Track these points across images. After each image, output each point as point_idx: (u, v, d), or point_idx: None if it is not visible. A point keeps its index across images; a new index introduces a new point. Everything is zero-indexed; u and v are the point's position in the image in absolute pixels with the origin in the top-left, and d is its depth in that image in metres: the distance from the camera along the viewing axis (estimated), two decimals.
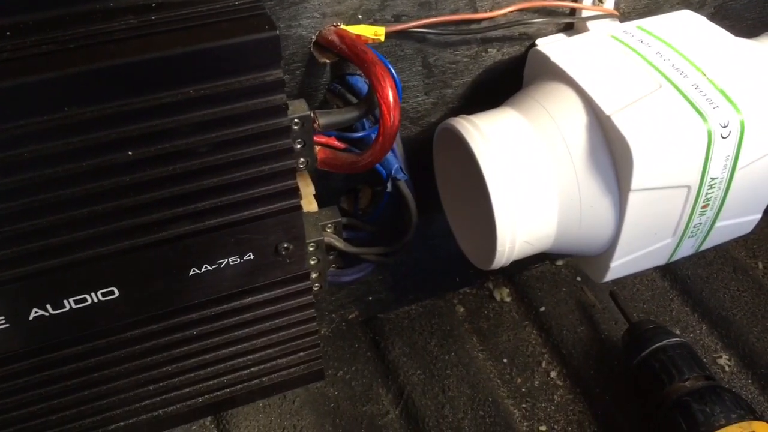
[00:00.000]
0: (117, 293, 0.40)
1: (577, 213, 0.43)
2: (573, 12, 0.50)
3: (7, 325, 0.38)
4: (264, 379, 0.50)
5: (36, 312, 0.39)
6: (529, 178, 0.42)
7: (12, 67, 0.31)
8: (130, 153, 0.34)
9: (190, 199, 0.38)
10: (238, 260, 0.42)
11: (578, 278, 0.71)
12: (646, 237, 0.44)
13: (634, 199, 0.41)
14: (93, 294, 0.39)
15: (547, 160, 0.42)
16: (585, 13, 0.50)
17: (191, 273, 0.41)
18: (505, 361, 0.64)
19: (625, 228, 0.42)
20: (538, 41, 0.49)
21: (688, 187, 0.42)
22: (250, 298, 0.44)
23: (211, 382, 0.48)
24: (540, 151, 0.43)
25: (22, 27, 0.33)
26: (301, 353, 0.50)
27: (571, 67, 0.44)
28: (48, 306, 0.39)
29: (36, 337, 0.40)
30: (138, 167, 0.35)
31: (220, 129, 0.36)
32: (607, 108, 0.41)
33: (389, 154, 0.46)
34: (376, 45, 0.43)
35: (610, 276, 0.46)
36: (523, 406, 0.60)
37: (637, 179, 0.40)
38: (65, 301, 0.39)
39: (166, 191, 0.37)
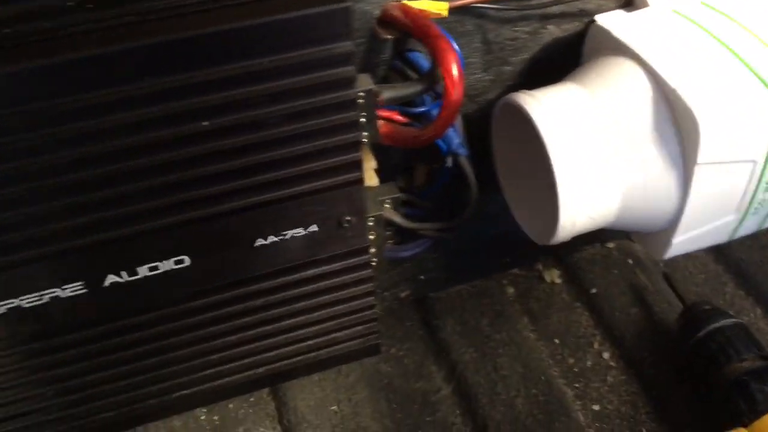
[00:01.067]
0: (187, 262, 0.41)
1: (641, 187, 0.43)
2: None
3: (85, 290, 0.40)
4: (322, 351, 0.51)
5: (111, 278, 0.40)
6: (591, 152, 0.42)
7: (95, 38, 0.32)
8: (205, 123, 0.36)
9: (259, 169, 0.39)
10: (302, 232, 0.43)
11: (630, 261, 0.70)
12: (709, 213, 0.44)
13: (699, 174, 0.41)
14: (165, 262, 0.40)
15: (610, 133, 0.42)
16: None
17: (257, 244, 0.42)
18: (556, 341, 0.64)
19: (689, 203, 0.42)
20: (597, 17, 0.49)
21: (754, 162, 0.42)
22: (311, 271, 0.45)
23: (270, 354, 0.50)
24: (603, 125, 0.43)
25: (102, 1, 0.34)
26: (359, 327, 0.51)
27: (633, 40, 0.44)
28: (123, 273, 0.40)
29: (111, 303, 0.41)
30: (212, 137, 0.36)
31: (291, 100, 0.36)
32: (672, 81, 0.41)
33: (450, 130, 0.46)
34: (439, 20, 0.44)
35: (672, 252, 0.46)
36: (576, 385, 0.60)
37: (704, 152, 0.40)
38: (139, 269, 0.40)
39: (237, 162, 0.38)
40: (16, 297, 0.39)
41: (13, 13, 0.33)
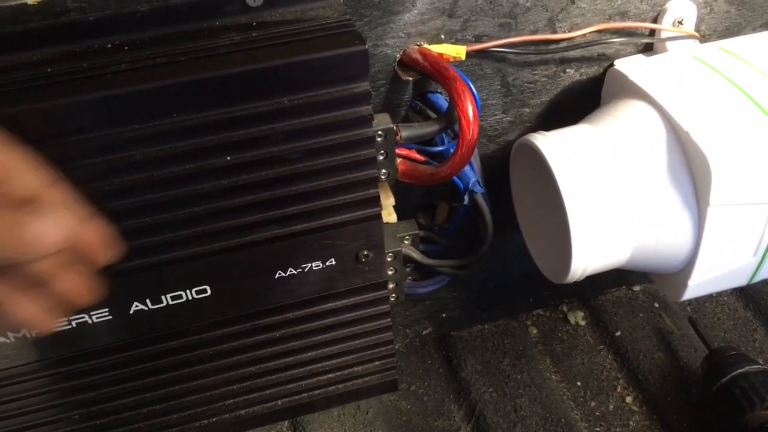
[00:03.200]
0: (209, 291, 0.43)
1: (655, 229, 0.43)
2: (653, 33, 0.51)
3: (110, 317, 0.42)
4: (340, 386, 0.52)
5: (137, 306, 0.42)
6: (605, 192, 0.43)
7: (129, 76, 0.35)
8: (228, 158, 0.37)
9: (280, 203, 0.40)
10: (321, 265, 0.44)
11: (656, 304, 0.70)
12: (725, 255, 0.44)
13: (713, 215, 0.41)
14: (188, 291, 0.42)
15: (624, 174, 0.43)
16: (665, 35, 0.51)
17: (277, 276, 0.43)
18: (578, 384, 0.63)
19: (703, 245, 0.42)
20: (617, 62, 0.50)
21: None
22: (330, 304, 0.46)
23: (290, 386, 0.50)
24: (616, 166, 0.43)
25: (137, 42, 0.37)
26: (377, 362, 0.52)
27: (649, 84, 0.44)
28: (147, 300, 0.42)
29: (134, 330, 0.43)
30: (235, 172, 0.38)
31: (310, 137, 0.38)
32: (685, 123, 0.41)
33: (467, 168, 0.47)
34: (457, 63, 0.45)
35: (688, 295, 0.46)
36: (597, 429, 0.60)
37: (716, 194, 0.40)
38: (163, 297, 0.42)
39: (258, 195, 0.39)
40: None
41: (59, 53, 0.35)
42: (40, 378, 0.44)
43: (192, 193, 0.38)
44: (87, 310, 0.41)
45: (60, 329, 0.41)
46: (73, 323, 0.41)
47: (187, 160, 0.37)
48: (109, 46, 0.37)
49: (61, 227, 0.30)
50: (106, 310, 0.41)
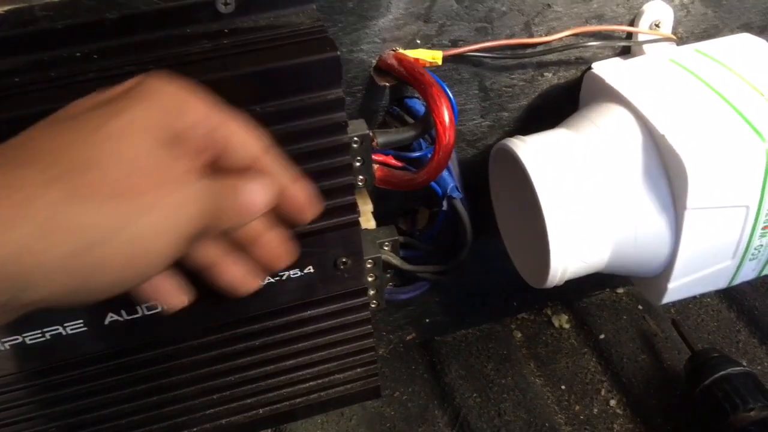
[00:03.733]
0: (186, 301, 0.42)
1: (632, 232, 0.43)
2: (629, 36, 0.51)
3: (85, 328, 0.41)
4: (322, 393, 0.52)
5: (111, 316, 0.41)
6: (582, 197, 0.43)
7: (98, 85, 0.34)
8: None
9: None
10: (299, 273, 0.44)
11: (640, 306, 0.70)
12: (704, 258, 0.44)
13: (690, 219, 0.41)
14: None
15: (602, 178, 0.43)
16: (642, 38, 0.51)
17: None
18: (563, 387, 0.63)
19: (681, 248, 0.42)
20: (594, 65, 0.50)
21: (747, 207, 0.42)
22: (309, 312, 0.46)
23: (271, 394, 0.50)
24: (594, 170, 0.43)
25: (107, 50, 0.36)
26: (359, 369, 0.51)
27: (625, 87, 0.44)
28: (122, 311, 0.41)
29: (110, 341, 0.42)
30: None
31: (284, 145, 0.37)
32: (661, 127, 0.41)
33: (445, 173, 0.47)
34: (434, 69, 0.45)
35: (668, 298, 0.46)
36: None
37: (693, 198, 0.40)
38: (138, 307, 0.41)
39: None
40: (19, 334, 0.40)
41: (27, 62, 0.35)
42: (16, 390, 0.43)
43: None
44: (61, 321, 0.40)
45: (34, 341, 0.40)
46: (47, 335, 0.41)
47: None
48: (78, 54, 0.36)
49: (273, 191, 0.32)
50: (81, 321, 0.41)
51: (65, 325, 0.41)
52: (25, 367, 0.42)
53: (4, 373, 0.42)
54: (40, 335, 0.41)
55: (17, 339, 0.40)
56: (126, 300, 0.41)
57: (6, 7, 0.35)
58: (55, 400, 0.44)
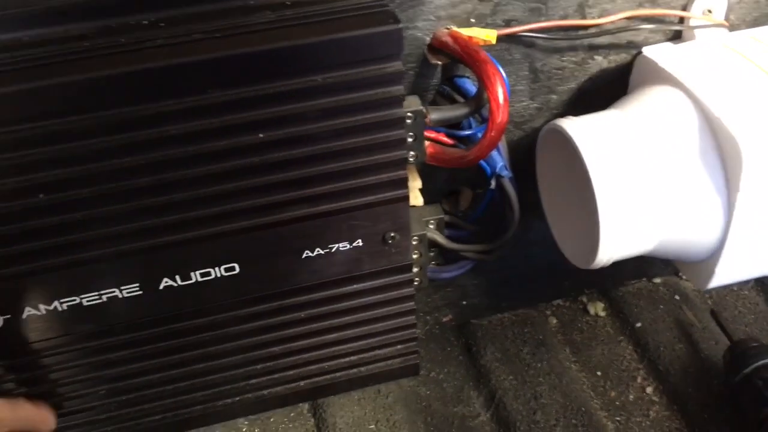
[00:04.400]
0: (238, 269, 0.43)
1: (684, 214, 0.43)
2: (681, 21, 0.51)
3: (141, 292, 0.42)
4: (362, 368, 0.52)
5: (166, 282, 0.42)
6: (634, 177, 0.43)
7: (165, 51, 0.35)
8: (261, 135, 0.38)
9: (309, 183, 0.40)
10: (348, 246, 0.44)
11: (677, 297, 0.69)
12: (754, 242, 0.44)
13: (742, 202, 0.41)
14: (217, 268, 0.42)
15: (654, 160, 0.43)
16: (693, 23, 0.50)
17: (304, 255, 0.44)
18: (598, 373, 0.63)
19: (732, 231, 0.42)
20: (645, 49, 0.50)
21: None
22: (355, 285, 0.47)
23: (313, 367, 0.51)
24: (646, 151, 0.43)
25: (173, 19, 0.37)
26: (399, 346, 0.52)
27: (679, 70, 0.44)
28: (177, 277, 0.42)
29: (164, 306, 0.43)
30: (266, 149, 0.38)
31: (342, 116, 0.38)
32: (716, 109, 0.41)
33: (494, 153, 0.47)
34: (487, 48, 0.45)
35: (716, 282, 0.46)
36: (617, 419, 0.60)
37: (747, 180, 0.40)
38: (192, 274, 0.42)
39: (289, 174, 0.40)
40: (77, 295, 0.41)
41: (96, 28, 0.36)
42: (70, 351, 0.44)
43: (224, 170, 0.38)
44: (117, 284, 0.42)
45: (91, 302, 0.42)
46: (104, 297, 0.42)
47: (219, 137, 0.37)
48: (145, 22, 0.37)
49: None
50: (137, 285, 0.42)
51: (122, 288, 0.42)
52: (80, 329, 0.43)
53: (60, 333, 0.43)
54: (97, 297, 0.42)
55: (75, 300, 0.42)
56: (181, 265, 0.42)
57: None
58: (106, 363, 0.46)
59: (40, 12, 0.36)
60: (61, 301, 0.41)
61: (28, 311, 0.41)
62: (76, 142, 0.35)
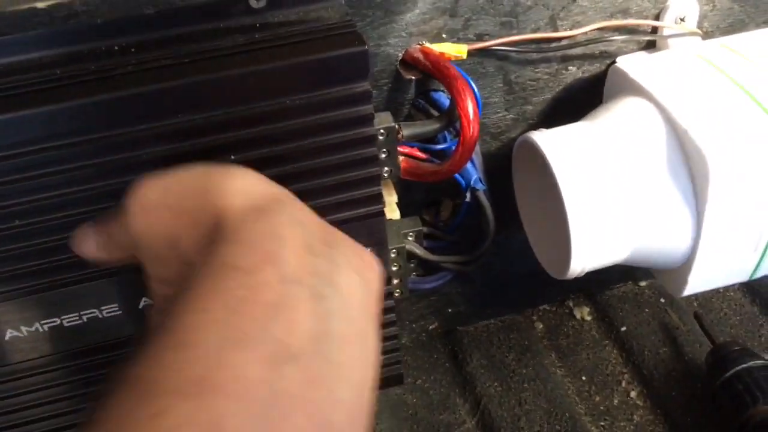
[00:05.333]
0: None
1: (654, 225, 0.43)
2: (655, 31, 0.51)
3: (120, 312, 0.43)
4: None
5: (145, 301, 0.43)
6: (604, 189, 0.43)
7: (135, 78, 0.36)
8: (232, 157, 0.38)
9: None
10: None
11: (662, 300, 0.70)
12: (725, 251, 0.44)
13: (711, 212, 0.41)
14: None
15: (624, 171, 0.43)
16: (667, 32, 0.51)
17: None
18: (583, 378, 0.64)
19: (702, 241, 0.43)
20: (618, 59, 0.50)
21: None
22: None
23: None
24: (616, 163, 0.44)
25: (144, 44, 0.38)
26: (382, 356, 0.53)
27: (649, 81, 0.45)
28: None
29: (143, 324, 0.44)
30: None
31: (312, 137, 0.39)
32: (684, 121, 0.42)
33: (469, 165, 0.48)
34: (459, 62, 0.46)
35: (689, 290, 0.46)
36: (601, 424, 0.60)
37: (714, 192, 0.41)
38: None
39: None
40: (57, 316, 0.42)
41: (67, 55, 0.36)
42: (52, 371, 0.45)
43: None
44: (98, 304, 0.42)
45: (71, 323, 0.42)
46: (84, 318, 0.42)
47: (190, 159, 0.38)
48: (116, 48, 0.37)
49: None
50: (116, 305, 0.42)
51: (101, 308, 0.42)
52: (60, 349, 0.44)
53: (41, 354, 0.43)
54: (77, 318, 0.42)
55: (55, 321, 0.42)
56: None
57: (48, 2, 0.37)
58: (88, 382, 0.46)
59: (10, 41, 0.37)
60: (42, 322, 0.42)
61: (10, 333, 0.42)
62: (48, 169, 0.36)
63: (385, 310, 0.49)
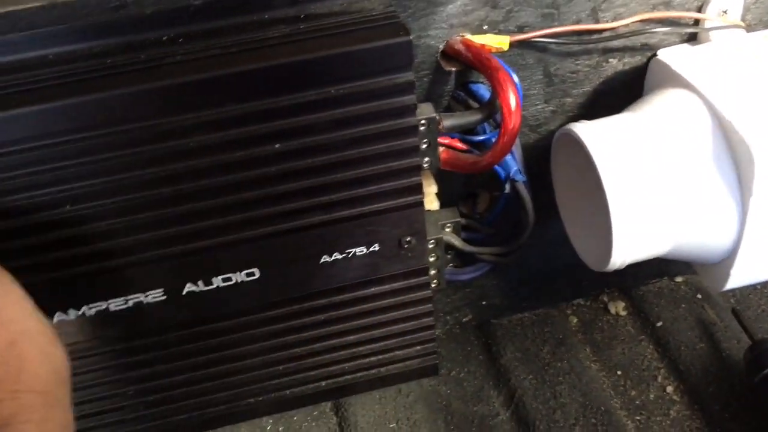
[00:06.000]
0: (258, 275, 0.44)
1: (697, 218, 0.43)
2: (697, 23, 0.51)
3: (164, 297, 0.44)
4: (382, 369, 0.53)
5: (189, 287, 0.44)
6: (647, 181, 0.43)
7: (184, 67, 0.36)
8: (277, 146, 0.39)
9: (326, 190, 0.41)
10: (365, 251, 0.45)
11: (698, 296, 0.69)
12: None
13: (756, 204, 0.41)
14: (238, 274, 0.44)
15: (666, 163, 0.43)
16: (709, 24, 0.50)
17: (322, 260, 0.45)
18: (618, 373, 0.63)
19: (746, 234, 0.42)
20: (660, 51, 0.50)
21: None
22: (373, 289, 0.48)
23: (334, 368, 0.52)
24: (659, 155, 0.43)
25: (192, 35, 0.39)
26: (418, 347, 0.53)
27: (692, 73, 0.44)
28: (200, 282, 0.44)
29: (186, 310, 0.45)
30: (282, 159, 0.40)
31: (355, 126, 0.39)
32: (728, 113, 0.41)
33: (508, 157, 0.48)
34: (500, 54, 0.46)
35: (730, 285, 0.46)
36: (637, 418, 0.60)
37: (759, 184, 0.40)
38: (214, 279, 0.44)
39: (305, 182, 0.41)
40: (104, 300, 0.43)
41: (117, 45, 0.37)
42: (98, 354, 0.46)
43: (242, 180, 0.40)
44: (143, 289, 0.43)
45: (117, 308, 0.43)
46: (130, 303, 0.43)
47: (237, 148, 0.39)
48: (165, 38, 0.38)
49: None
50: (161, 290, 0.43)
51: (147, 293, 0.43)
52: (106, 333, 0.45)
53: (87, 337, 0.45)
54: (123, 303, 0.43)
55: (101, 306, 0.43)
56: (203, 271, 0.43)
57: None
58: (132, 365, 0.47)
59: (64, 31, 0.38)
60: (89, 306, 0.43)
61: (58, 316, 0.43)
62: (101, 155, 0.37)
63: (422, 301, 0.50)
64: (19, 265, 0.39)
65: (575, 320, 0.69)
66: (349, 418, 0.60)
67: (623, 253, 0.44)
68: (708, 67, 0.46)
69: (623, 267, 0.46)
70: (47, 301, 0.41)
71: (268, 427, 0.60)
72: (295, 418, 0.61)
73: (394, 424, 0.60)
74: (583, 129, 0.45)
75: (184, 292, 0.44)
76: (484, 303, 0.66)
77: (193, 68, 0.36)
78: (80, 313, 0.43)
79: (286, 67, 0.37)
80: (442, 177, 0.51)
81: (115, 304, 0.43)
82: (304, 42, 0.38)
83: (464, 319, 0.67)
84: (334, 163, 0.41)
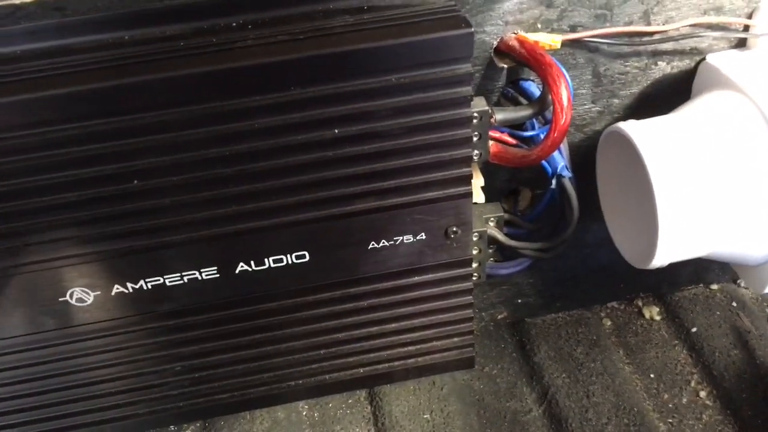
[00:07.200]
0: (308, 257, 0.46)
1: (742, 219, 0.44)
2: (746, 29, 0.51)
3: (218, 275, 0.45)
4: (419, 359, 0.54)
5: (242, 266, 0.45)
6: (694, 181, 0.44)
7: (254, 51, 0.38)
8: (336, 131, 0.40)
9: (379, 177, 0.43)
10: (412, 239, 0.46)
11: (734, 303, 0.69)
12: None
13: None
14: (289, 255, 0.45)
15: (714, 164, 0.44)
16: (758, 31, 0.51)
17: (370, 246, 0.46)
18: (652, 376, 0.64)
19: None
20: (709, 56, 0.50)
21: None
22: (416, 277, 0.49)
23: (372, 355, 0.53)
24: (707, 155, 0.44)
25: (260, 22, 0.40)
26: (455, 338, 0.54)
27: (743, 78, 0.45)
28: (252, 262, 0.45)
29: (238, 289, 0.46)
30: (341, 144, 0.41)
31: (413, 114, 0.41)
32: None
33: (556, 153, 0.49)
34: (551, 52, 0.47)
35: None
36: (669, 421, 0.60)
37: None
38: (266, 260, 0.45)
39: (360, 168, 0.42)
40: (161, 275, 0.45)
41: (190, 29, 0.39)
42: (151, 329, 0.47)
43: (301, 163, 0.41)
44: (198, 266, 0.45)
45: (173, 283, 0.45)
46: (185, 279, 0.45)
47: (298, 131, 0.40)
48: (235, 24, 0.40)
49: None
50: (215, 268, 0.45)
51: (202, 270, 0.45)
52: (161, 308, 0.46)
53: (142, 311, 0.46)
54: (179, 278, 0.45)
55: (159, 280, 0.45)
56: (256, 251, 0.45)
57: None
58: (182, 342, 0.49)
59: (139, 14, 0.39)
60: (147, 280, 0.44)
61: (117, 288, 0.44)
62: (169, 134, 0.38)
63: (463, 292, 0.51)
64: (85, 234, 0.41)
65: (609, 323, 0.69)
66: (384, 407, 0.61)
67: (667, 252, 0.45)
68: (758, 71, 0.46)
69: (665, 265, 0.47)
70: (107, 273, 0.44)
71: (304, 413, 0.62)
72: (330, 405, 0.62)
73: (428, 415, 0.61)
74: (633, 127, 0.45)
75: (237, 271, 0.45)
76: (519, 301, 0.67)
77: (261, 52, 0.38)
78: (137, 286, 0.45)
79: (351, 55, 0.38)
80: (486, 172, 0.52)
81: (171, 279, 0.45)
82: (369, 31, 0.39)
83: (499, 317, 0.68)
84: (390, 151, 0.42)
